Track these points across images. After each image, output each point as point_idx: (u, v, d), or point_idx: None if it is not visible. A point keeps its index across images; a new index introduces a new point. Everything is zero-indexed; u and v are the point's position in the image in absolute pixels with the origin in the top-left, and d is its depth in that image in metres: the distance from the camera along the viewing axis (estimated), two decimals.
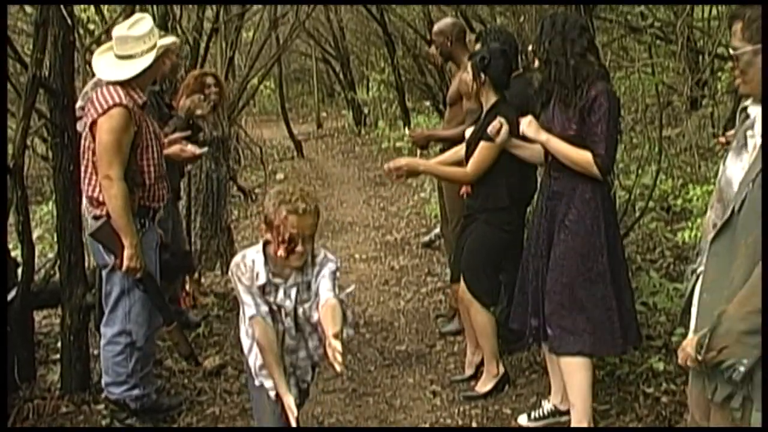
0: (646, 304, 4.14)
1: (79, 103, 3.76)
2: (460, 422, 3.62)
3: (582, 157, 3.04)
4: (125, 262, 3.30)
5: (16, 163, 3.52)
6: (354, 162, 11.40)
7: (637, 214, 5.12)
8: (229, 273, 2.71)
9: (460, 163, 3.79)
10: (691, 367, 2.16)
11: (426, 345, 4.55)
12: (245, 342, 2.77)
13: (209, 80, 4.91)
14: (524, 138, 3.29)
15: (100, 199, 3.32)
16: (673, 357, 2.42)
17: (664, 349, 3.84)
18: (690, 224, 4.53)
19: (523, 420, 3.52)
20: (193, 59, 7.26)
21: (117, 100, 3.26)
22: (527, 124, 3.20)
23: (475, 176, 3.65)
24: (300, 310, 2.68)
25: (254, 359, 2.72)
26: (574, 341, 3.13)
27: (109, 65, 3.38)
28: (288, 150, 12.50)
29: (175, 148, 3.91)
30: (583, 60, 3.06)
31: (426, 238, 6.65)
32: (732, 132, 2.32)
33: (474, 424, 3.59)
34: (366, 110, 14.42)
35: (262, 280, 2.60)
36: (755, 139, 2.03)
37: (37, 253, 4.06)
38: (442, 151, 4.29)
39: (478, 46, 4.09)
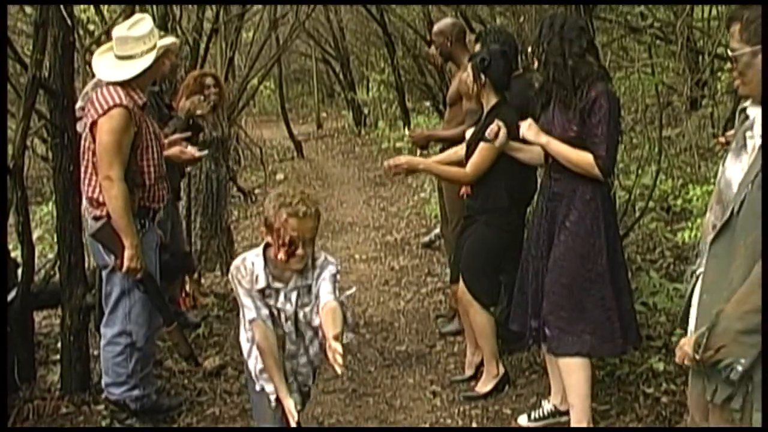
0: (646, 304, 4.14)
1: (79, 104, 3.76)
2: (460, 422, 3.62)
3: (583, 159, 3.04)
4: (126, 263, 3.30)
5: (16, 163, 3.52)
6: (354, 162, 11.40)
7: (637, 215, 5.12)
8: (229, 276, 2.71)
9: (460, 162, 3.79)
10: (690, 367, 2.16)
11: (426, 345, 4.55)
12: (245, 346, 2.76)
13: (209, 81, 4.91)
14: (524, 141, 3.29)
15: (100, 199, 3.32)
16: (673, 357, 2.42)
17: (664, 349, 3.84)
18: (690, 224, 4.53)
19: (523, 420, 3.53)
20: (193, 60, 7.26)
21: (117, 100, 3.26)
22: (527, 128, 3.20)
23: (474, 177, 3.65)
24: (301, 314, 2.67)
25: (254, 363, 2.72)
26: (572, 342, 3.13)
27: (109, 66, 3.38)
28: (288, 150, 12.50)
29: (174, 150, 3.91)
30: (581, 61, 3.06)
31: (426, 239, 6.65)
32: (731, 132, 2.32)
33: (474, 425, 3.60)
34: (366, 110, 14.42)
35: (262, 283, 2.59)
36: (754, 140, 2.03)
37: (37, 254, 4.06)
38: (442, 151, 4.29)
39: (477, 47, 4.10)
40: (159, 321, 3.57)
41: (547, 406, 3.50)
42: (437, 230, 6.21)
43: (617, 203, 4.52)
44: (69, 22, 3.55)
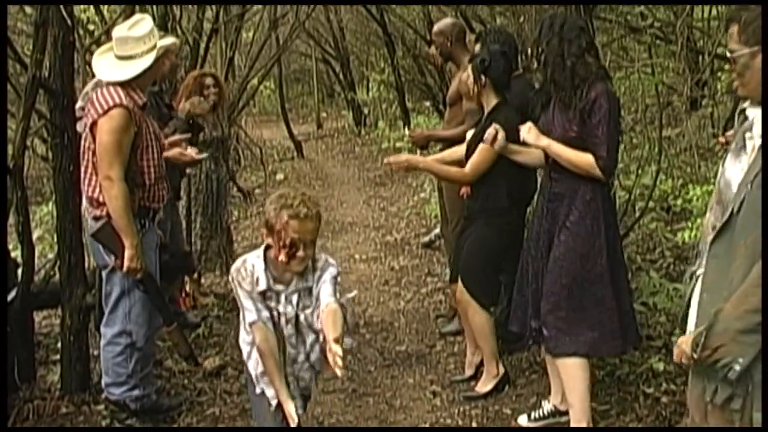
0: (646, 304, 4.14)
1: (79, 104, 3.77)
2: (460, 422, 3.62)
3: (584, 160, 3.04)
4: (126, 263, 3.30)
5: (16, 163, 3.53)
6: (354, 162, 11.40)
7: (637, 215, 5.12)
8: (230, 278, 2.70)
9: (460, 162, 3.80)
10: (690, 367, 2.16)
11: (426, 345, 4.55)
12: (245, 348, 2.75)
13: (209, 81, 4.91)
14: (524, 143, 3.29)
15: (100, 199, 3.32)
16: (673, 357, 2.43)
17: (664, 350, 3.84)
18: (690, 224, 4.53)
19: (523, 420, 3.53)
20: (193, 60, 7.25)
21: (117, 100, 3.26)
22: (527, 131, 3.20)
23: (473, 177, 3.65)
24: (302, 317, 2.66)
25: (254, 365, 2.71)
26: (570, 342, 3.13)
27: (109, 66, 3.39)
28: (288, 150, 12.50)
29: (174, 152, 3.91)
30: (580, 61, 3.06)
31: (426, 239, 6.65)
32: (731, 132, 2.32)
33: (474, 425, 3.60)
34: (366, 110, 14.42)
35: (262, 285, 2.59)
36: (754, 141, 2.04)
37: (37, 254, 4.06)
38: (442, 150, 4.29)
39: (477, 47, 4.09)
40: (159, 321, 3.57)
41: (547, 406, 3.50)
42: (437, 230, 6.21)
43: (617, 203, 4.52)
44: (69, 22, 3.55)
